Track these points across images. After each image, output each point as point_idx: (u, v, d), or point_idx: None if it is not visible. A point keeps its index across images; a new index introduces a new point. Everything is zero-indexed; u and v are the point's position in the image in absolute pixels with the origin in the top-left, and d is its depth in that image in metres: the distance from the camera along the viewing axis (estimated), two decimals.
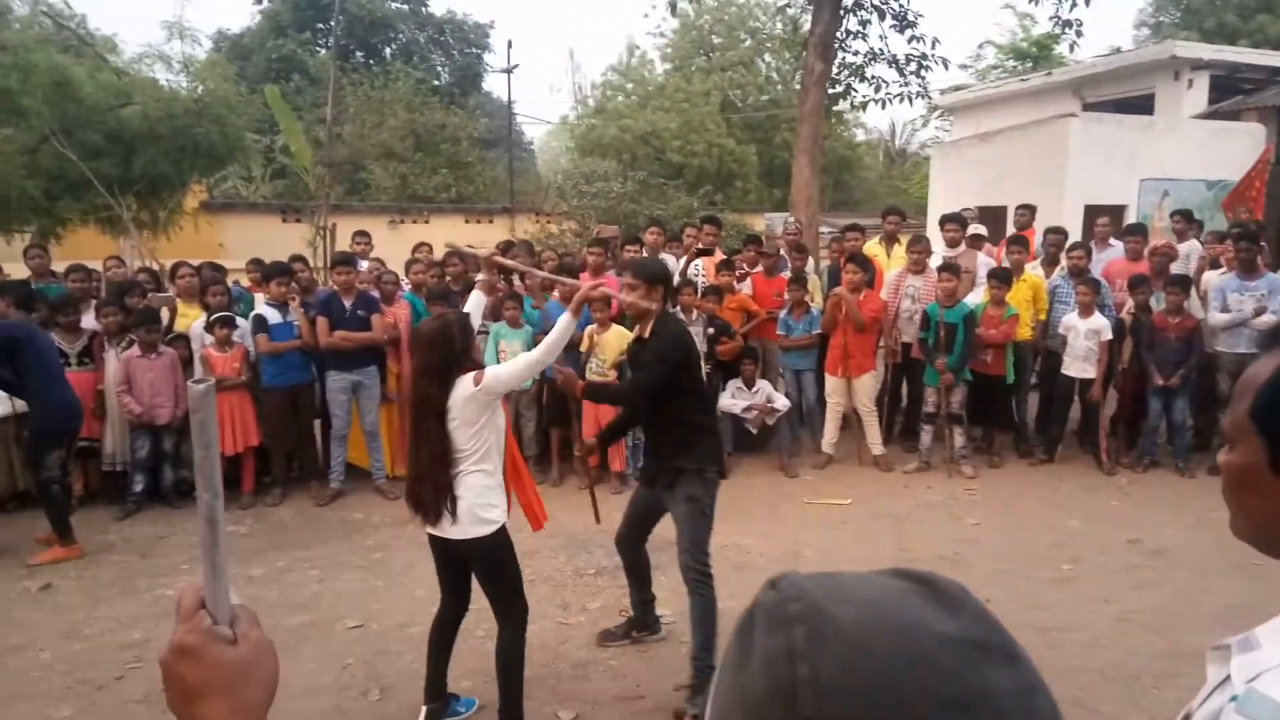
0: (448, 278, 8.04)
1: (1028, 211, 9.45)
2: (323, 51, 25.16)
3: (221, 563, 0.86)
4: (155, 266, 9.46)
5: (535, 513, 4.31)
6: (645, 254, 8.38)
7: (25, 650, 4.62)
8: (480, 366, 3.67)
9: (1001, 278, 7.62)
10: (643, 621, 4.68)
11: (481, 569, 3.72)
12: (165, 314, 7.28)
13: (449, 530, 3.60)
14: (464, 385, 3.54)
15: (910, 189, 26.56)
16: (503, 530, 3.64)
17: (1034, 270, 8.25)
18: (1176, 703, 1.18)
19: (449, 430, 3.53)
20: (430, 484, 3.56)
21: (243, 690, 0.84)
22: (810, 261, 8.81)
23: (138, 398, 6.60)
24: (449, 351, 3.55)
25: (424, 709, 3.89)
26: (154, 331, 6.68)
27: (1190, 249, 8.77)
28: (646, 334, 4.17)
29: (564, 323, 3.75)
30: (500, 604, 3.72)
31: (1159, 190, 13.92)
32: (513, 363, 3.73)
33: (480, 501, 3.57)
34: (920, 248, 8.13)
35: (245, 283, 8.24)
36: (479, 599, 3.82)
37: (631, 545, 4.58)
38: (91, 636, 4.77)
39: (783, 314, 7.92)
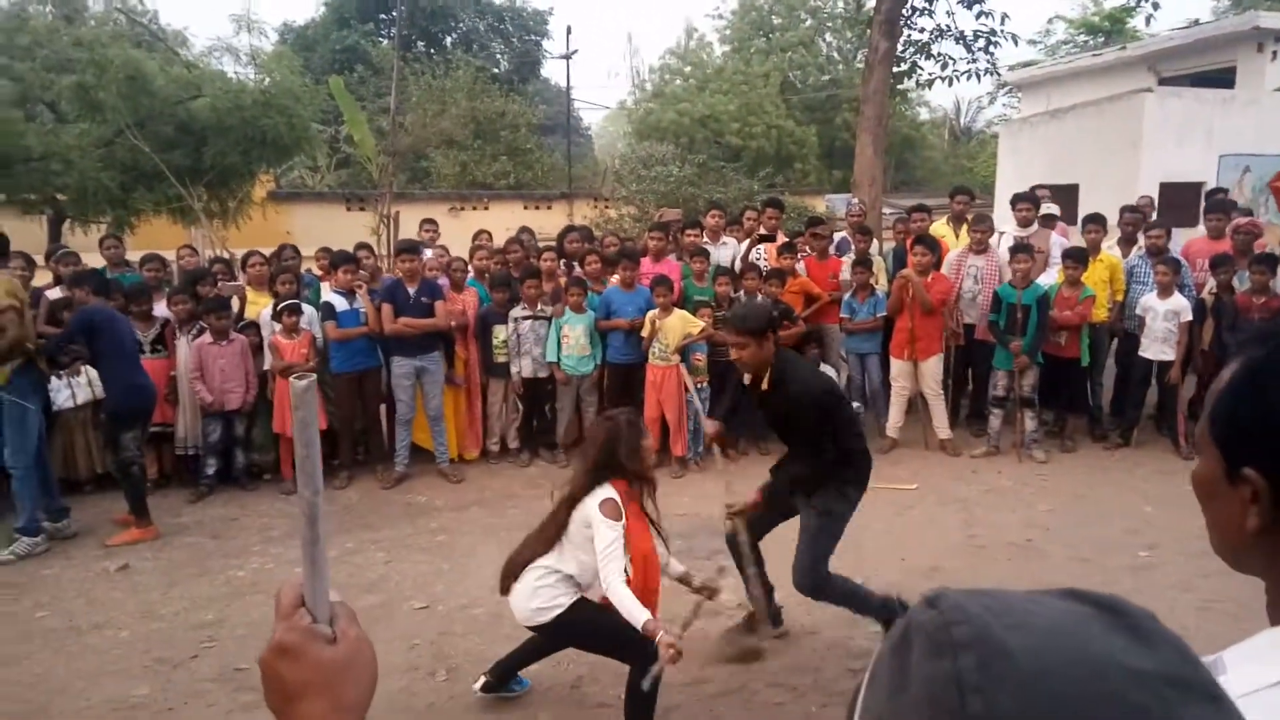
0: (510, 264, 8.09)
1: (1044, 190, 9.20)
2: (385, 42, 25.44)
3: (322, 560, 0.84)
4: (226, 255, 9.66)
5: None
6: (706, 237, 8.31)
7: (105, 629, 4.76)
8: (646, 476, 3.60)
9: (1077, 258, 7.38)
10: (767, 614, 4.50)
11: (565, 643, 3.74)
12: (235, 302, 7.43)
13: (519, 614, 3.53)
14: (603, 497, 3.45)
15: (975, 168, 25.98)
16: (575, 607, 3.49)
17: (1111, 250, 7.99)
18: None
19: (569, 518, 3.49)
20: (517, 558, 3.54)
21: (342, 689, 0.83)
22: (875, 243, 8.65)
23: (209, 384, 6.74)
24: (610, 455, 3.51)
25: (483, 678, 3.94)
26: (223, 318, 6.81)
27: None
28: (766, 385, 4.01)
29: (638, 615, 3.33)
30: (613, 658, 3.66)
31: (1239, 166, 13.40)
32: (614, 569, 3.35)
33: (536, 593, 3.47)
34: (983, 227, 7.93)
35: (316, 270, 8.37)
36: None
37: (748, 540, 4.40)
38: (167, 616, 4.90)
39: (847, 296, 7.79)
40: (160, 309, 7.07)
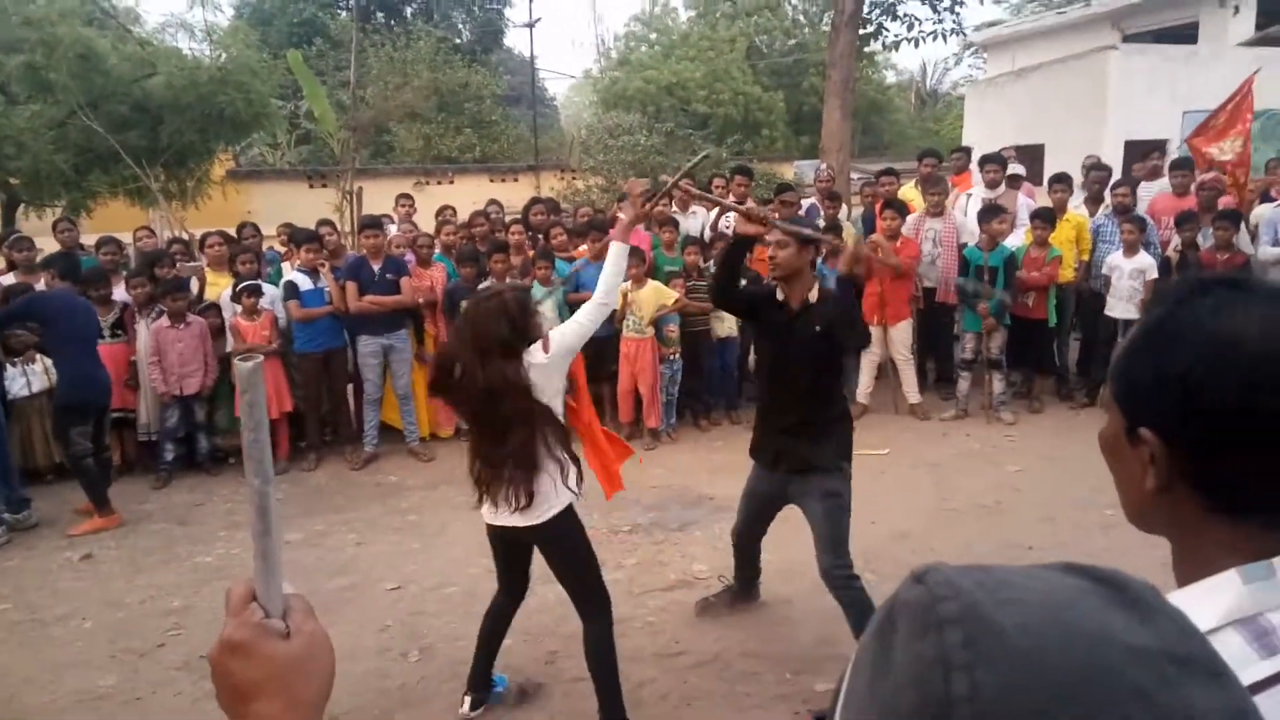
0: (476, 238, 7.98)
1: (964, 155, 9.19)
2: (344, 14, 24.95)
3: (274, 551, 0.79)
4: (185, 236, 9.48)
5: (610, 478, 3.91)
6: (675, 207, 8.24)
7: (69, 619, 4.68)
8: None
9: (1045, 218, 7.39)
10: (746, 594, 4.51)
11: (548, 555, 3.47)
12: (195, 283, 7.29)
13: (511, 518, 3.32)
14: (535, 356, 3.25)
15: (942, 130, 25.97)
16: (569, 512, 3.36)
17: (1078, 209, 8.01)
18: None
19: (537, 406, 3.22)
20: (511, 469, 3.23)
21: (297, 688, 0.79)
22: (844, 209, 8.62)
23: (168, 368, 6.60)
24: (515, 326, 3.22)
25: (467, 699, 3.71)
26: (179, 300, 6.67)
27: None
28: (812, 298, 3.81)
29: (618, 251, 3.47)
30: (576, 594, 3.47)
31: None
32: (578, 315, 3.40)
33: (546, 486, 3.28)
34: (939, 190, 7.94)
35: (279, 248, 8.22)
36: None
37: (751, 542, 4.31)
38: (132, 605, 4.82)
39: (819, 262, 7.73)
40: (119, 292, 6.92)
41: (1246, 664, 0.82)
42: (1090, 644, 0.45)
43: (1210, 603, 0.85)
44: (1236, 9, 14.73)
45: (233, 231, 7.93)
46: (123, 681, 4.06)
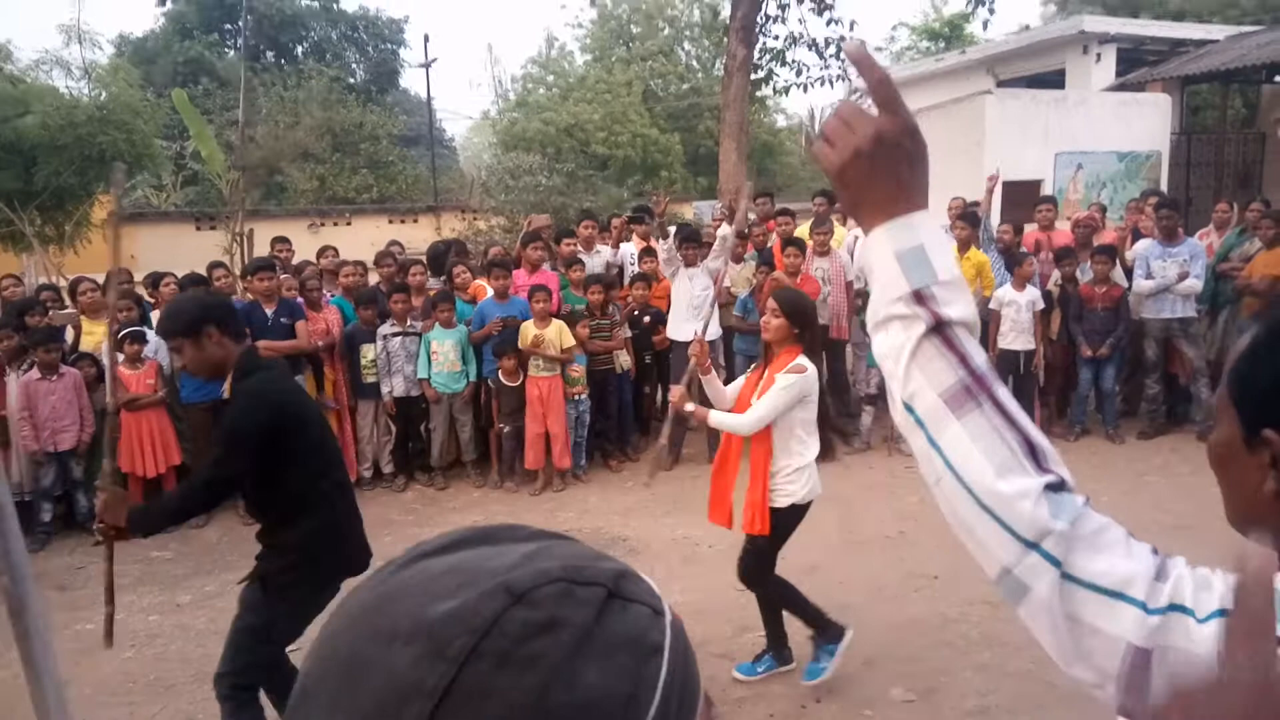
0: (382, 280, 7.81)
1: (768, 201, 9.42)
2: (231, 53, 24.40)
3: (42, 655, 0.69)
4: (60, 282, 9.00)
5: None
6: (580, 247, 8.22)
7: None
8: None
9: None
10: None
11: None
12: (70, 332, 6.91)
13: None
14: None
15: None
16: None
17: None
18: None
19: None
20: None
21: None
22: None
23: (40, 423, 6.20)
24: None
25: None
26: (52, 351, 6.29)
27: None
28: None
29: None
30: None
31: (1074, 164, 14.24)
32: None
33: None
34: (824, 230, 8.07)
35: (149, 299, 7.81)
36: None
37: None
38: (5, 680, 4.47)
39: (743, 296, 7.78)
40: None
41: None
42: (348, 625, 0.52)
43: None
44: (1099, 57, 15.70)
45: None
46: None
